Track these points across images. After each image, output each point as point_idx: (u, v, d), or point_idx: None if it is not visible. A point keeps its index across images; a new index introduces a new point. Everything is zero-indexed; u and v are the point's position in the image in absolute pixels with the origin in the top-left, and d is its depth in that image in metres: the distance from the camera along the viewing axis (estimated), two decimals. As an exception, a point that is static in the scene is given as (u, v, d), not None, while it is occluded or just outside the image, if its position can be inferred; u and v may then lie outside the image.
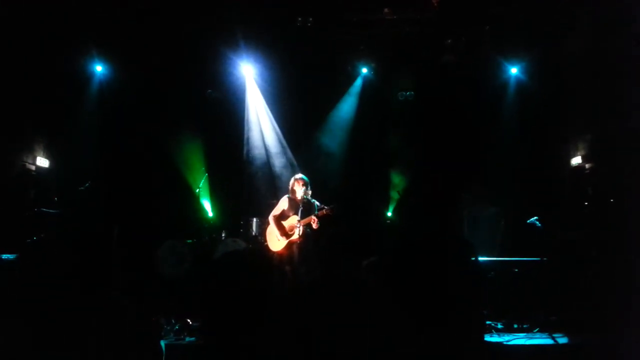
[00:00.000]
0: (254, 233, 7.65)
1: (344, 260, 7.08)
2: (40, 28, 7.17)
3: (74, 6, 7.13)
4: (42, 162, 7.77)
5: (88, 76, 8.39)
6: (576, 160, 7.64)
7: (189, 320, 4.92)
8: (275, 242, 6.35)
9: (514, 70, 8.37)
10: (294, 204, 6.34)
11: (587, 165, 7.39)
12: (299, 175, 6.42)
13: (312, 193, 6.38)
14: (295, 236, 6.18)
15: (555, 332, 4.86)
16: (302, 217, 6.13)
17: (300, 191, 6.25)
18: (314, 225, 6.07)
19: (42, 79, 7.47)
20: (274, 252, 6.35)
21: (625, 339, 4.19)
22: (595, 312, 4.92)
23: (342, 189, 8.25)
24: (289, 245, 6.25)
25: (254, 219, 7.71)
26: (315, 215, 6.08)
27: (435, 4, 7.10)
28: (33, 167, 7.57)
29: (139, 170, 8.32)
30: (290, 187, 6.45)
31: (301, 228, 6.12)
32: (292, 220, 6.24)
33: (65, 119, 8.10)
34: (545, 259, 5.66)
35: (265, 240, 6.63)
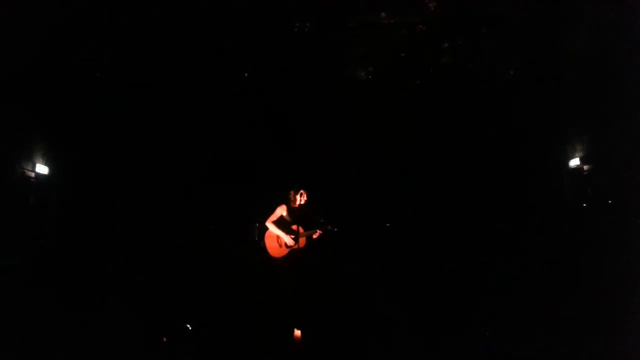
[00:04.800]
0: (255, 238, 7.70)
1: (345, 264, 7.16)
2: (40, 34, 7.20)
3: (72, 13, 7.16)
4: (42, 169, 7.80)
5: (87, 82, 8.41)
6: (574, 162, 7.67)
7: (188, 326, 4.92)
8: (277, 248, 6.37)
9: (512, 72, 8.40)
10: (291, 213, 6.38)
11: (585, 167, 7.42)
12: (297, 185, 6.50)
13: (313, 199, 6.49)
14: (296, 244, 6.22)
15: (556, 331, 4.86)
16: (300, 224, 6.22)
17: (297, 200, 6.36)
18: (315, 236, 6.18)
19: (41, 86, 7.51)
20: (274, 258, 6.36)
21: (626, 339, 4.19)
22: (597, 311, 4.93)
23: (343, 192, 8.28)
24: (290, 252, 6.28)
25: (255, 225, 7.76)
26: (320, 229, 6.18)
27: (432, 8, 7.15)
28: (33, 174, 7.59)
29: (139, 174, 8.36)
30: (288, 197, 6.50)
31: (302, 237, 6.21)
32: (293, 229, 6.29)
33: (64, 126, 8.13)
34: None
35: (266, 246, 6.65)
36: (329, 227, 6.18)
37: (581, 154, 7.55)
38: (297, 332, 5.36)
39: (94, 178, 8.05)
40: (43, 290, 5.66)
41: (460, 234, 7.79)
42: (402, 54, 8.34)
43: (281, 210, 6.42)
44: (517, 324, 5.18)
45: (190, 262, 7.39)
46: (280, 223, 6.37)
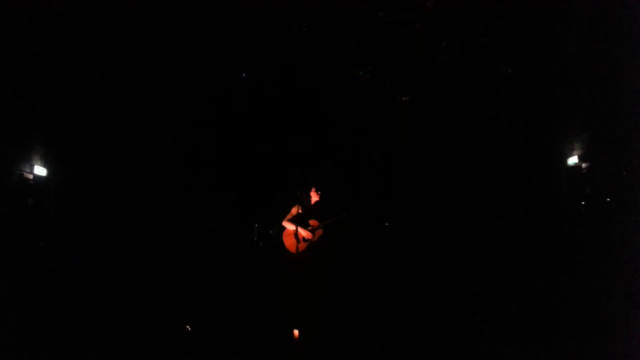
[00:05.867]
0: (255, 238, 7.74)
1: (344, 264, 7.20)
2: (40, 34, 7.20)
3: (71, 12, 7.16)
4: (40, 170, 7.79)
5: (85, 83, 8.41)
6: (573, 160, 7.67)
7: (188, 327, 4.93)
8: (295, 244, 6.53)
9: (510, 70, 8.40)
10: (305, 209, 6.58)
11: (583, 165, 7.42)
12: (306, 185, 6.74)
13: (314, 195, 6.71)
14: (313, 236, 6.40)
15: (555, 332, 4.86)
16: (315, 218, 6.38)
17: (310, 198, 6.63)
18: (336, 219, 6.43)
19: (39, 87, 7.50)
20: (293, 255, 6.51)
21: (626, 339, 4.19)
22: (597, 311, 4.93)
23: (343, 191, 8.31)
24: (309, 245, 6.46)
25: (255, 225, 7.81)
26: (338, 216, 6.41)
27: (430, 6, 7.15)
28: (31, 176, 7.58)
29: (138, 174, 8.37)
30: (300, 197, 6.67)
31: (319, 230, 6.39)
32: (309, 223, 6.49)
33: (63, 127, 8.13)
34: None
35: (284, 245, 6.77)
36: (344, 214, 6.47)
37: (580, 152, 7.55)
38: (297, 332, 5.38)
39: (93, 178, 8.05)
40: (43, 290, 5.67)
41: (460, 234, 7.81)
42: (401, 53, 8.34)
43: (296, 210, 6.63)
44: (517, 324, 5.18)
45: (190, 262, 7.40)
46: (295, 220, 6.54)
